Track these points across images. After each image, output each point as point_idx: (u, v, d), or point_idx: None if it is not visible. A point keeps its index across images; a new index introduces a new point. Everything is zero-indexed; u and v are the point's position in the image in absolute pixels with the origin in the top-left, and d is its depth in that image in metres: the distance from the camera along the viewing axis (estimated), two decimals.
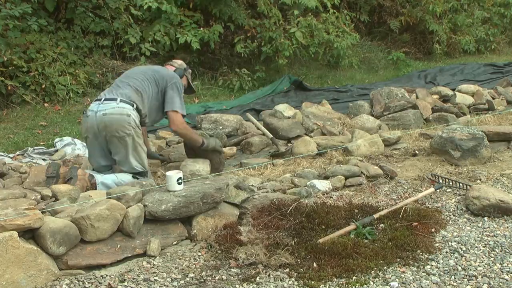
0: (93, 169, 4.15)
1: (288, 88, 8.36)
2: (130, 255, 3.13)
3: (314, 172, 4.49)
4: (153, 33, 7.60)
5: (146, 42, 7.58)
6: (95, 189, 3.80)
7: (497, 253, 3.22)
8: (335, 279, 2.92)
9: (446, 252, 3.23)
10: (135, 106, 4.01)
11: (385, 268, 3.04)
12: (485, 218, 3.71)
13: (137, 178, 3.99)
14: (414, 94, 7.10)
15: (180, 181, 3.44)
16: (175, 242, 3.33)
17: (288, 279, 2.95)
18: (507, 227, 3.56)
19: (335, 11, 9.34)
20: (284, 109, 6.49)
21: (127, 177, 3.98)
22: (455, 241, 3.37)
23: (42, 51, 6.97)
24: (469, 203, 3.83)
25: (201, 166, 4.40)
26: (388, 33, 11.30)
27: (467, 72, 9.60)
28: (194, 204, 3.37)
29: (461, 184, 4.21)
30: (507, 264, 3.09)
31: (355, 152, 5.01)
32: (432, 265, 3.08)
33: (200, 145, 4.35)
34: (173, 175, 3.45)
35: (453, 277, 2.95)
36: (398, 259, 3.13)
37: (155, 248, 3.18)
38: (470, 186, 4.08)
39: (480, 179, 4.41)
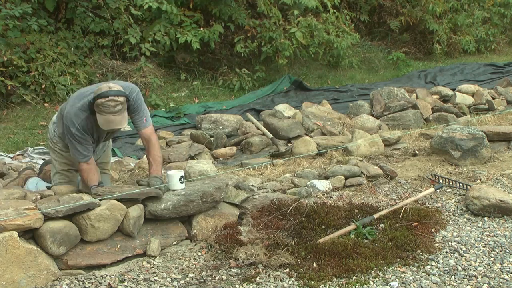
0: None
1: (288, 88, 8.36)
2: (130, 255, 3.13)
3: (314, 172, 4.49)
4: (153, 33, 7.59)
5: (146, 42, 7.58)
6: None
7: (497, 253, 3.22)
8: (335, 279, 2.92)
9: (446, 252, 3.23)
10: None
11: (385, 268, 3.04)
12: (485, 218, 3.71)
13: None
14: (414, 94, 7.11)
15: (182, 180, 3.45)
16: (175, 242, 3.33)
17: (288, 279, 2.95)
18: (507, 227, 3.56)
19: (335, 11, 9.33)
20: (284, 109, 6.49)
21: (44, 185, 3.88)
22: (455, 241, 3.38)
23: (42, 51, 6.97)
24: (469, 203, 3.83)
25: (209, 166, 4.41)
26: (388, 33, 11.29)
27: (467, 72, 9.59)
28: (193, 203, 3.37)
29: (461, 184, 4.21)
30: (507, 264, 3.09)
31: (355, 152, 5.01)
32: (432, 265, 3.08)
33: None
34: (175, 174, 3.46)
35: (453, 277, 2.95)
36: (398, 259, 3.13)
37: (155, 248, 3.18)
38: (470, 186, 4.08)
39: (480, 179, 4.41)
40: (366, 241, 3.34)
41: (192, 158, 5.22)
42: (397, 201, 3.99)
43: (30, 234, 2.95)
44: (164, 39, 7.59)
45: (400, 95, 6.85)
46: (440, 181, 4.32)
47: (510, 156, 4.99)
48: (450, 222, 3.68)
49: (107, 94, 3.20)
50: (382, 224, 3.56)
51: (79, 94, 3.47)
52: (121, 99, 3.24)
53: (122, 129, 3.78)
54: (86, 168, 3.46)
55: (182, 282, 2.93)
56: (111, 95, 3.20)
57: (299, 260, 3.11)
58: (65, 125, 3.39)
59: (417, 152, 5.15)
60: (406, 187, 4.30)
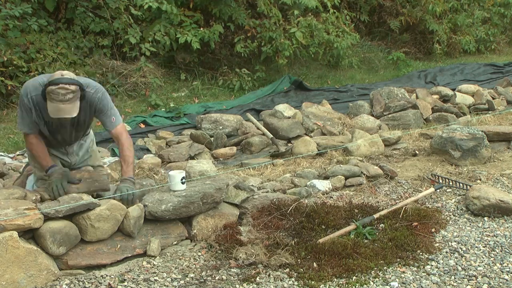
0: None
1: (288, 88, 8.36)
2: (130, 255, 3.13)
3: (314, 172, 4.49)
4: (153, 33, 7.59)
5: (146, 42, 7.57)
6: None
7: (497, 253, 3.22)
8: (335, 279, 2.92)
9: (446, 252, 3.23)
10: None
11: (385, 268, 3.04)
12: (485, 218, 3.71)
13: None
14: (414, 94, 7.11)
15: (183, 180, 3.45)
16: (175, 242, 3.33)
17: (288, 279, 2.95)
18: (507, 227, 3.56)
19: (335, 11, 9.33)
20: (284, 109, 6.49)
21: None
22: (455, 241, 3.38)
23: (42, 51, 6.96)
24: (469, 203, 3.83)
25: (209, 166, 4.41)
26: (388, 33, 11.29)
27: (467, 72, 9.59)
28: (194, 204, 3.37)
29: (461, 184, 4.21)
30: (507, 264, 3.09)
31: (355, 152, 5.01)
32: (432, 265, 3.08)
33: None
34: (177, 174, 3.46)
35: (453, 277, 2.95)
36: (398, 259, 3.13)
37: (155, 248, 3.18)
38: (470, 186, 4.08)
39: (480, 179, 4.41)
40: (366, 241, 3.34)
41: (192, 158, 5.22)
42: (397, 201, 3.99)
43: (30, 234, 2.95)
44: (164, 39, 7.58)
45: (400, 95, 6.85)
46: (440, 181, 4.32)
47: (510, 156, 4.99)
48: (450, 222, 3.68)
49: (58, 81, 3.08)
50: (382, 224, 3.56)
51: (47, 75, 3.38)
52: (73, 87, 3.09)
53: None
54: (35, 141, 3.35)
55: (182, 282, 2.93)
56: (63, 83, 3.08)
57: (299, 260, 3.11)
58: (20, 94, 3.29)
59: (417, 152, 5.15)
60: (406, 187, 4.30)
